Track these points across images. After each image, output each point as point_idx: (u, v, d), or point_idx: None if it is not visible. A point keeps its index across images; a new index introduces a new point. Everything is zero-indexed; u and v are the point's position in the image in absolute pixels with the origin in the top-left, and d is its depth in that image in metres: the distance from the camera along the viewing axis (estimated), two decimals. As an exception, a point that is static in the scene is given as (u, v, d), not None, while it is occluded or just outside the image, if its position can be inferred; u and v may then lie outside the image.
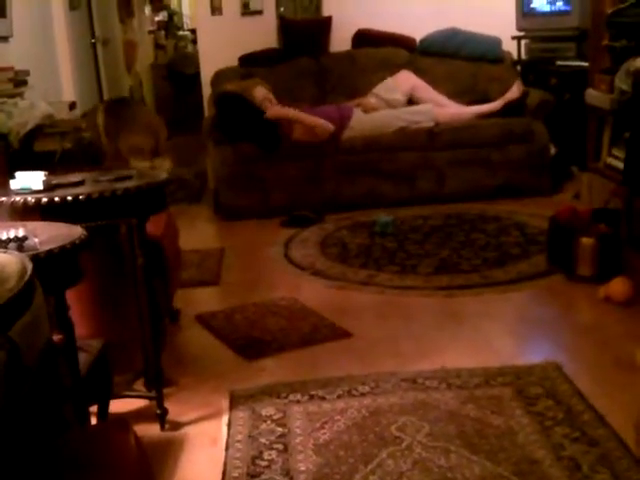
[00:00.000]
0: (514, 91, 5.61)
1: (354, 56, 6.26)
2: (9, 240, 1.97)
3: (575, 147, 5.49)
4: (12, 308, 1.50)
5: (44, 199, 2.37)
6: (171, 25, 11.01)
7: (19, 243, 1.96)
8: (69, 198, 2.38)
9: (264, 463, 2.35)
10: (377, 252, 4.40)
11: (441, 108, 5.68)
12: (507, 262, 4.10)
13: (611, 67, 4.74)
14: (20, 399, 1.43)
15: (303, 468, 2.31)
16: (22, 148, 4.13)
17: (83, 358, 2.32)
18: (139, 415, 2.70)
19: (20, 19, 5.02)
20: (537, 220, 4.72)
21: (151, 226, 2.83)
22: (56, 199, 2.38)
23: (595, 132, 5.07)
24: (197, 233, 5.07)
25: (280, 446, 2.43)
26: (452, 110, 5.67)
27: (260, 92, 5.56)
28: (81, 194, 2.40)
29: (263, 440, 2.48)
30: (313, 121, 5.35)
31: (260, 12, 6.47)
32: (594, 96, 4.92)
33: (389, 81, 5.92)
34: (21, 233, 2.01)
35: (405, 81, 5.88)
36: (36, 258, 1.85)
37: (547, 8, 6.00)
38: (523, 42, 6.28)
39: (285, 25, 6.45)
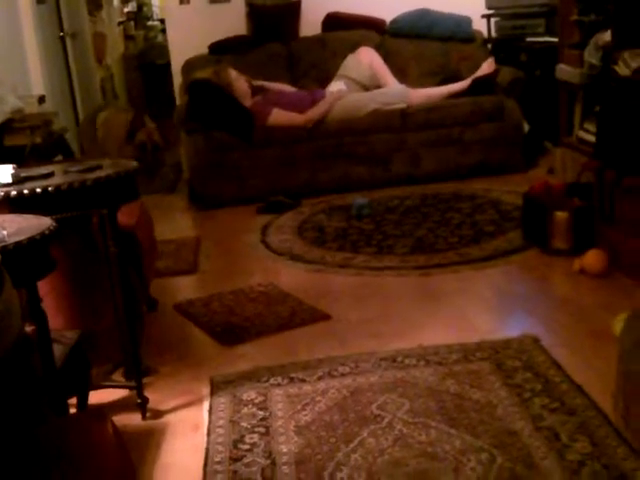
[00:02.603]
0: (484, 68, 5.62)
1: (324, 40, 6.23)
2: (-23, 233, 1.96)
3: (547, 122, 5.52)
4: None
5: (13, 192, 2.35)
6: (140, 16, 10.89)
7: (-14, 235, 1.95)
8: (38, 190, 2.36)
9: (246, 446, 2.35)
10: (354, 235, 4.41)
11: (414, 89, 5.69)
12: (483, 239, 4.12)
13: (580, 42, 4.76)
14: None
15: (285, 450, 2.31)
16: (-8, 143, 4.10)
17: (59, 350, 2.31)
18: (120, 405, 2.69)
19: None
20: (512, 197, 4.74)
21: (124, 216, 2.82)
22: (25, 191, 2.35)
23: (566, 107, 5.10)
24: (173, 223, 5.05)
25: (262, 429, 2.44)
26: (424, 91, 5.67)
27: (232, 73, 5.55)
28: (50, 186, 2.37)
29: (244, 424, 2.48)
30: (306, 120, 5.37)
31: (228, -1, 6.42)
32: (564, 71, 4.94)
33: (350, 59, 5.92)
34: (-11, 226, 2.00)
35: (365, 56, 5.89)
36: (4, 250, 1.84)
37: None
38: (493, 20, 6.28)
39: (254, 11, 6.41)
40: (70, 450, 1.60)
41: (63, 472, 1.44)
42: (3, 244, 1.88)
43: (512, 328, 3.10)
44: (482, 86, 5.55)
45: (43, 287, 2.19)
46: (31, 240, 1.95)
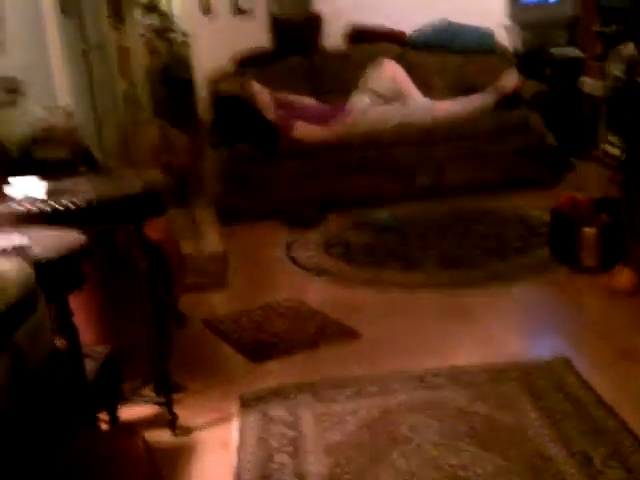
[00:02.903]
0: (508, 80, 5.59)
1: (346, 53, 6.24)
2: (10, 248, 1.96)
3: (573, 136, 5.48)
4: (15, 314, 1.49)
5: (44, 207, 2.36)
6: (164, 29, 10.96)
7: (21, 251, 1.95)
8: (70, 205, 2.37)
9: (275, 465, 2.34)
10: (380, 249, 4.39)
11: (437, 102, 5.67)
12: (510, 255, 4.09)
13: (603, 53, 4.73)
14: (24, 402, 1.42)
15: (314, 470, 2.30)
16: (20, 156, 4.12)
17: (90, 364, 2.31)
18: (150, 421, 2.69)
19: (12, 27, 5.00)
20: (538, 211, 4.70)
21: (152, 231, 2.82)
22: (57, 207, 2.36)
23: (591, 120, 5.06)
24: (199, 237, 5.04)
25: (290, 448, 2.43)
26: (448, 104, 5.65)
27: (256, 87, 5.56)
28: (80, 201, 2.38)
29: (274, 442, 2.47)
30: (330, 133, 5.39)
31: (250, 11, 6.44)
32: (588, 84, 4.90)
33: (373, 71, 5.91)
34: (22, 241, 2.00)
35: (388, 69, 5.88)
36: (37, 265, 1.84)
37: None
38: (515, 32, 6.25)
39: (276, 24, 6.43)
40: (101, 464, 1.60)
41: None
42: (36, 259, 1.88)
43: (542, 348, 3.07)
44: (506, 99, 5.52)
45: (73, 302, 2.19)
46: (63, 255, 1.96)
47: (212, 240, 5.06)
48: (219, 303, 3.90)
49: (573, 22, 5.59)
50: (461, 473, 2.21)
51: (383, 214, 4.76)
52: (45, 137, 4.48)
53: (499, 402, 2.58)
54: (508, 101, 5.53)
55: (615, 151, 4.64)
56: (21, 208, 2.38)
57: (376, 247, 4.44)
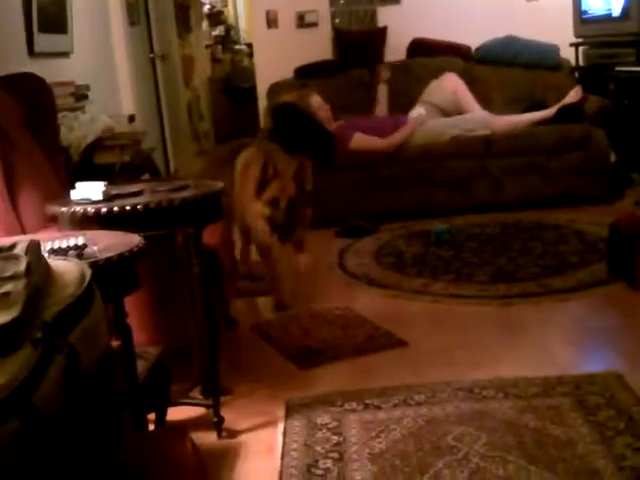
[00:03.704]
0: (572, 96, 5.53)
1: (409, 66, 6.25)
2: (69, 248, 2.02)
3: (635, 153, 5.39)
4: (72, 313, 1.53)
5: (103, 209, 2.42)
6: (228, 39, 11.14)
7: (79, 251, 2.01)
8: (127, 208, 2.42)
9: (320, 472, 2.34)
10: (432, 261, 4.38)
11: (498, 116, 5.64)
12: (566, 270, 4.03)
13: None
14: (77, 404, 1.46)
15: (359, 477, 2.29)
16: (82, 160, 4.24)
17: (141, 365, 2.36)
18: (196, 423, 2.72)
19: (80, 35, 5.16)
20: (596, 228, 4.63)
21: (207, 236, 2.87)
22: (115, 209, 2.42)
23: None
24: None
25: (335, 455, 2.43)
26: (508, 118, 5.62)
27: (316, 101, 5.60)
28: (139, 204, 2.44)
29: (318, 448, 2.47)
30: (388, 145, 5.38)
31: (315, 24, 6.51)
32: (654, 101, 4.82)
33: (434, 84, 5.91)
34: (81, 241, 2.06)
35: (450, 82, 5.87)
36: (95, 265, 1.89)
37: (605, 13, 5.89)
38: (581, 48, 6.18)
39: (340, 36, 6.48)
40: (149, 465, 1.62)
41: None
42: (94, 259, 1.94)
43: (595, 363, 3.02)
44: (568, 114, 5.46)
45: (128, 303, 2.24)
46: (121, 256, 2.00)
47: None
48: (268, 309, 3.94)
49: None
50: (506, 485, 2.19)
51: (437, 226, 4.74)
52: (109, 143, 4.61)
53: (548, 415, 2.54)
54: (570, 116, 5.47)
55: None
56: (80, 210, 2.44)
57: (428, 259, 4.42)
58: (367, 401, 2.75)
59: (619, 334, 3.28)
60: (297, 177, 3.62)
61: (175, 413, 2.71)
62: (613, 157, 5.52)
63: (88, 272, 1.72)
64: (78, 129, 4.38)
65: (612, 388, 2.71)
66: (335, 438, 2.53)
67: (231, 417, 2.71)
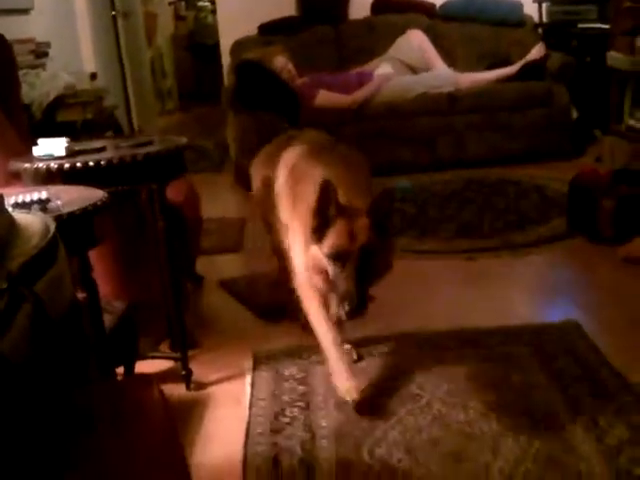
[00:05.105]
0: (534, 54, 5.57)
1: (373, 23, 6.23)
2: (33, 202, 2.02)
3: (597, 110, 5.46)
4: (37, 264, 1.54)
5: (66, 165, 2.41)
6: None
7: (42, 205, 2.01)
8: (91, 164, 2.42)
9: (286, 420, 2.39)
10: (397, 217, 4.41)
11: (462, 73, 5.67)
12: (527, 225, 4.10)
13: (632, 28, 4.70)
14: (45, 350, 1.48)
15: (324, 424, 2.35)
16: (45, 118, 4.19)
17: (108, 319, 2.38)
18: (165, 376, 2.75)
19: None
20: (558, 184, 4.70)
21: (172, 193, 2.88)
22: (78, 164, 2.41)
23: (617, 94, 5.03)
24: (218, 202, 5.11)
25: (302, 404, 2.48)
26: (472, 75, 5.64)
27: (279, 61, 5.57)
28: (102, 159, 2.43)
29: (286, 398, 2.52)
30: (352, 101, 5.36)
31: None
32: (615, 58, 4.88)
33: (400, 40, 5.91)
34: (44, 196, 2.06)
35: (415, 38, 5.87)
36: (59, 219, 1.90)
37: (568, -30, 5.92)
38: (544, 5, 6.21)
39: (304, -7, 6.43)
40: (117, 410, 1.65)
41: (107, 431, 1.49)
42: (57, 214, 1.94)
43: (554, 314, 3.09)
44: (531, 71, 5.50)
45: (93, 257, 2.25)
46: (84, 211, 2.01)
47: (229, 204, 5.12)
48: (235, 266, 3.97)
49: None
50: (467, 429, 2.25)
51: (402, 183, 4.77)
52: (71, 101, 4.56)
53: (509, 364, 2.62)
54: (533, 73, 5.51)
55: (640, 125, 4.63)
56: (43, 166, 2.43)
57: (393, 215, 4.44)
58: (333, 353, 2.80)
59: (578, 286, 3.36)
60: (376, 211, 2.26)
61: (144, 367, 2.74)
62: (575, 114, 5.58)
63: (52, 225, 1.73)
64: (40, 87, 4.32)
65: (570, 337, 2.79)
66: (302, 388, 2.58)
67: (199, 370, 2.75)
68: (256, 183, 2.96)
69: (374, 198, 2.26)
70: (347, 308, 2.13)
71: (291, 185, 2.50)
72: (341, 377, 2.42)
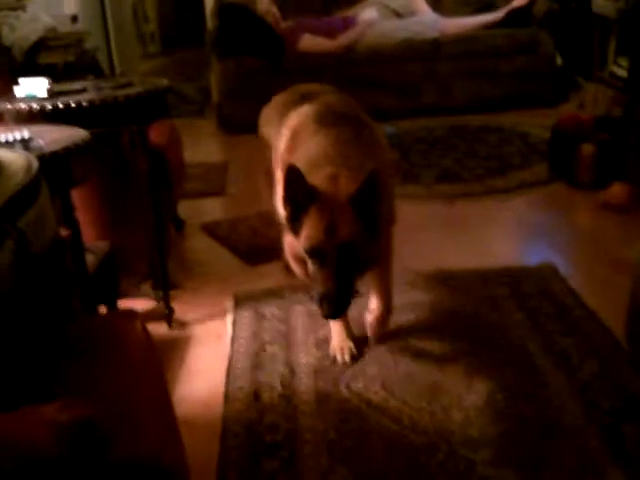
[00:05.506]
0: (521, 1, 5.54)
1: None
2: (15, 141, 2.03)
3: (581, 57, 5.46)
4: (20, 201, 1.57)
5: (48, 106, 2.42)
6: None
7: (25, 144, 2.02)
8: (72, 104, 2.42)
9: (267, 356, 2.45)
10: (380, 163, 4.43)
11: (447, 18, 5.63)
12: (508, 171, 4.14)
13: (617, -26, 4.68)
14: (29, 283, 1.51)
15: (304, 361, 2.41)
16: (26, 61, 4.15)
17: (90, 258, 2.41)
18: (147, 315, 2.78)
19: None
20: (540, 130, 4.72)
21: (154, 135, 2.88)
22: (60, 105, 2.42)
23: (601, 41, 5.03)
24: (201, 147, 5.11)
25: (282, 341, 2.54)
26: (457, 20, 5.61)
27: (263, 4, 5.51)
28: (84, 100, 2.44)
29: (266, 336, 2.58)
30: (336, 46, 5.33)
31: None
32: (600, 5, 4.87)
33: None
34: (27, 135, 2.07)
35: None
36: (41, 158, 1.91)
37: None
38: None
39: None
40: (98, 344, 1.69)
41: (92, 359, 1.53)
42: (40, 152, 1.95)
43: (532, 257, 3.14)
44: (517, 17, 5.48)
45: (76, 199, 2.27)
46: (67, 150, 2.02)
47: (212, 149, 5.12)
48: (217, 209, 3.99)
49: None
50: (442, 365, 2.31)
51: (386, 129, 4.77)
52: (52, 44, 4.50)
53: (486, 303, 2.68)
54: (518, 19, 5.48)
55: (622, 73, 4.63)
56: (25, 106, 2.44)
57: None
58: (313, 293, 2.84)
59: (556, 230, 3.41)
60: (362, 197, 1.95)
61: (126, 306, 2.77)
62: (560, 61, 5.58)
63: (35, 163, 1.74)
64: (20, 29, 4.27)
65: (547, 279, 2.85)
66: (282, 327, 2.63)
67: (181, 310, 2.80)
68: (260, 135, 2.78)
69: (360, 185, 1.92)
70: (325, 311, 1.94)
71: (290, 153, 2.20)
72: (338, 337, 2.43)
